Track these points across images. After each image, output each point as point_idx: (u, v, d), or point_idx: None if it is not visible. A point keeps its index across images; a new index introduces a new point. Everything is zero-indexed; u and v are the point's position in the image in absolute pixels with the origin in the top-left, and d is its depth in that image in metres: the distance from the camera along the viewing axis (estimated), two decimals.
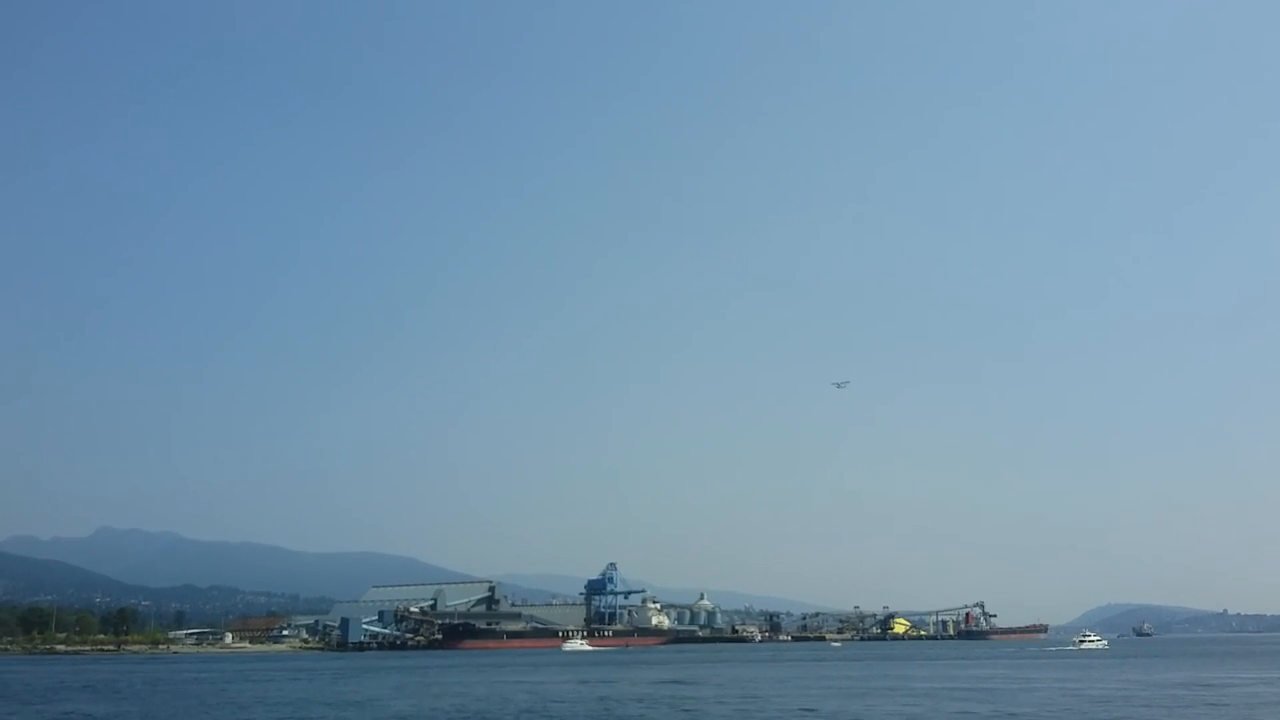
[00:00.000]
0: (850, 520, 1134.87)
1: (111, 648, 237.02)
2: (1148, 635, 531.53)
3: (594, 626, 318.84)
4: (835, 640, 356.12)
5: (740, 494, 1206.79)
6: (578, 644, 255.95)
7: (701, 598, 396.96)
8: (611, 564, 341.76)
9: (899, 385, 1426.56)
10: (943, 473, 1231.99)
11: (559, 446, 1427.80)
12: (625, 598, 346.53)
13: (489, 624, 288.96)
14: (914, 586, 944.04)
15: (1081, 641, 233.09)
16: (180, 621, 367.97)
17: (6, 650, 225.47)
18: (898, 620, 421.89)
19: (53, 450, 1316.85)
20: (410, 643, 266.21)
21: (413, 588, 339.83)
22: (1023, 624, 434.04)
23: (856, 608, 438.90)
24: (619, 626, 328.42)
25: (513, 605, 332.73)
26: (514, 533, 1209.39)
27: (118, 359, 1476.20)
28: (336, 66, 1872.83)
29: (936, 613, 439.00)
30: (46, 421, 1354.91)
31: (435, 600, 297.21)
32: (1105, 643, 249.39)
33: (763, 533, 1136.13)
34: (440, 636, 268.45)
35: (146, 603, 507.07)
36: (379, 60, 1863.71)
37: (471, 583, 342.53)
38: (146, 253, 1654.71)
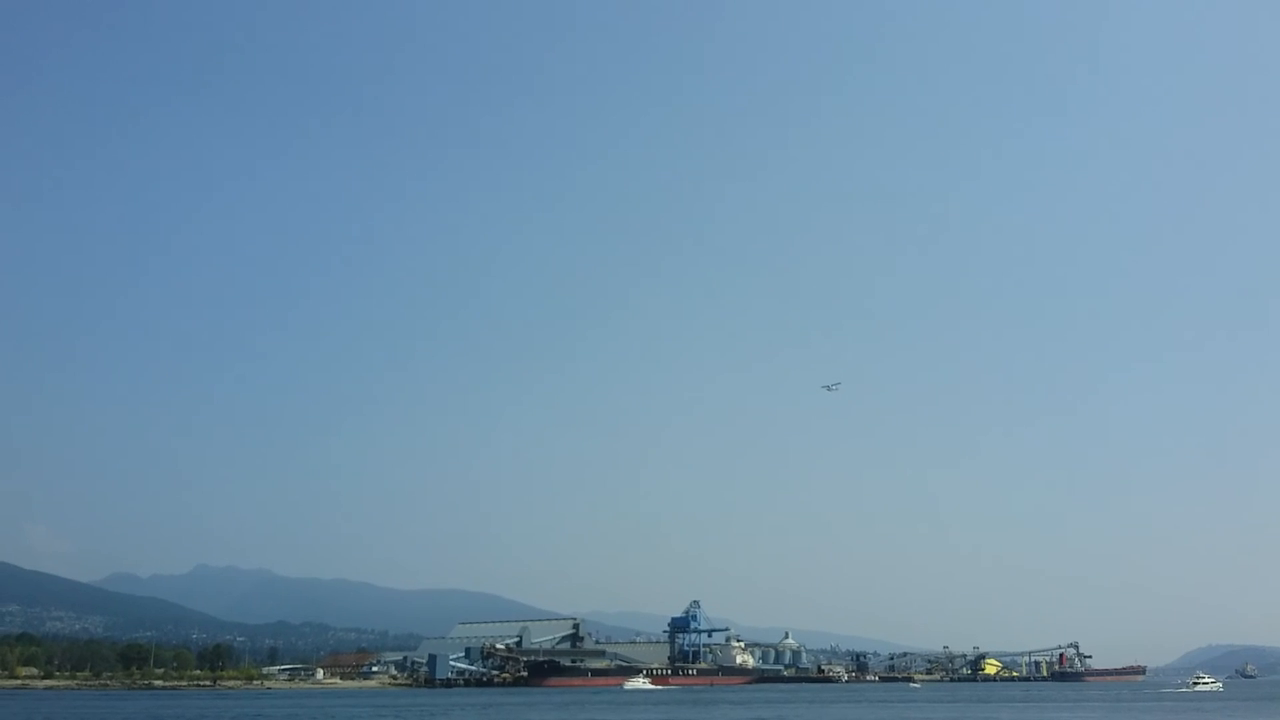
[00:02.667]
0: (939, 558, 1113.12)
1: (207, 683, 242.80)
2: (1251, 677, 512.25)
3: (678, 665, 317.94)
4: (916, 681, 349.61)
5: (825, 531, 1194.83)
6: (639, 683, 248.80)
7: (786, 636, 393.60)
8: (695, 601, 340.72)
9: (988, 419, 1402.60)
10: (1033, 508, 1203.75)
11: (643, 483, 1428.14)
12: (709, 636, 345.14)
13: (574, 661, 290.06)
14: (1005, 626, 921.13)
15: (1195, 684, 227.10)
16: (274, 658, 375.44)
17: (106, 686, 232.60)
18: (989, 661, 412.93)
19: (152, 491, 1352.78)
20: (496, 680, 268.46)
21: (498, 624, 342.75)
22: (1119, 665, 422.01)
23: (946, 648, 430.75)
24: (703, 665, 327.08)
25: (597, 643, 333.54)
26: (597, 570, 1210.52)
27: (213, 402, 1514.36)
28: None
29: (1029, 653, 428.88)
30: (145, 464, 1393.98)
31: (520, 637, 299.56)
32: (1220, 685, 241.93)
33: (849, 570, 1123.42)
34: (526, 674, 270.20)
35: (241, 639, 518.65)
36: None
37: (556, 620, 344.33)
38: (231, 295, 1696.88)
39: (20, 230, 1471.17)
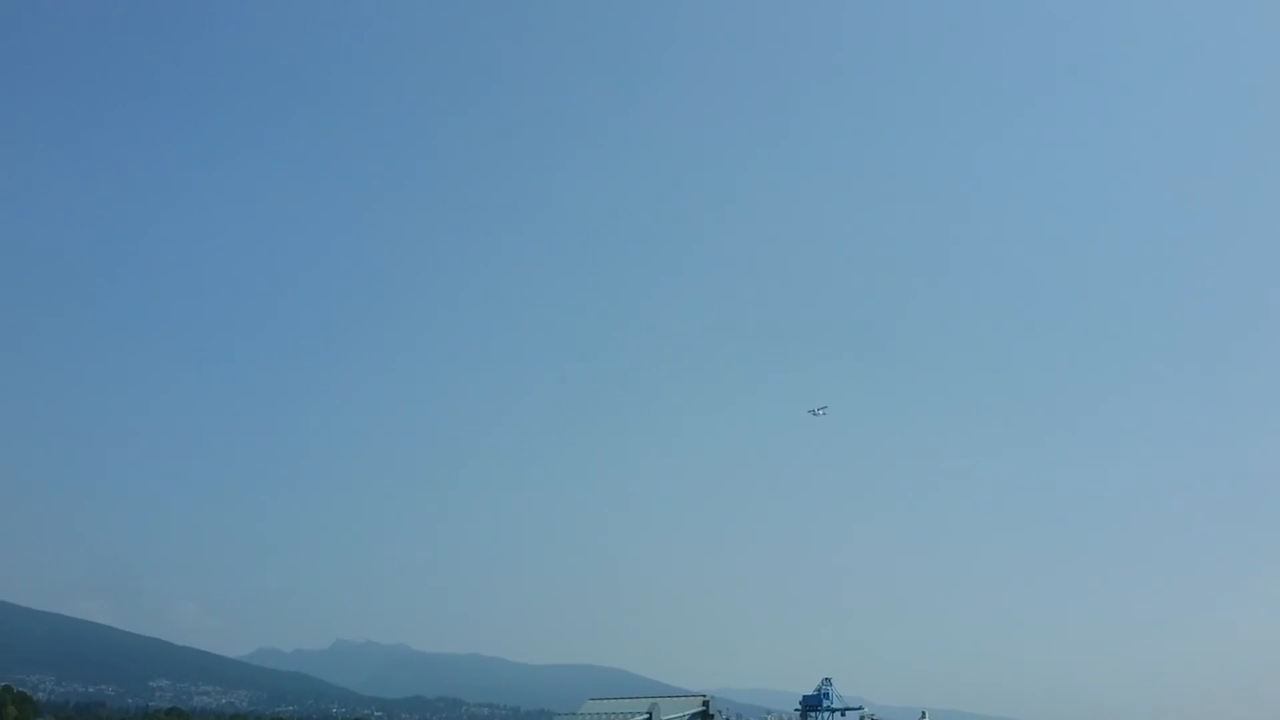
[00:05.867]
0: (1084, 630, 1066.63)
1: None
2: None
3: None
4: None
5: (961, 604, 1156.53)
6: None
7: (924, 716, 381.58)
8: (826, 679, 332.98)
9: (1137, 481, 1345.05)
10: (1186, 579, 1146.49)
11: (773, 558, 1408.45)
12: (842, 716, 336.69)
13: None
14: (1148, 700, 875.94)
15: None
16: None
17: None
18: None
19: (295, 569, 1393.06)
20: None
21: (628, 700, 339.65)
22: None
23: None
24: None
25: None
26: (727, 645, 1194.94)
27: (350, 482, 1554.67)
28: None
29: None
30: (289, 542, 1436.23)
31: (650, 714, 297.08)
32: None
33: (987, 643, 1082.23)
34: None
35: (379, 713, 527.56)
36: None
37: (685, 696, 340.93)
38: (360, 370, 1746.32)
39: (165, 314, 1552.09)
